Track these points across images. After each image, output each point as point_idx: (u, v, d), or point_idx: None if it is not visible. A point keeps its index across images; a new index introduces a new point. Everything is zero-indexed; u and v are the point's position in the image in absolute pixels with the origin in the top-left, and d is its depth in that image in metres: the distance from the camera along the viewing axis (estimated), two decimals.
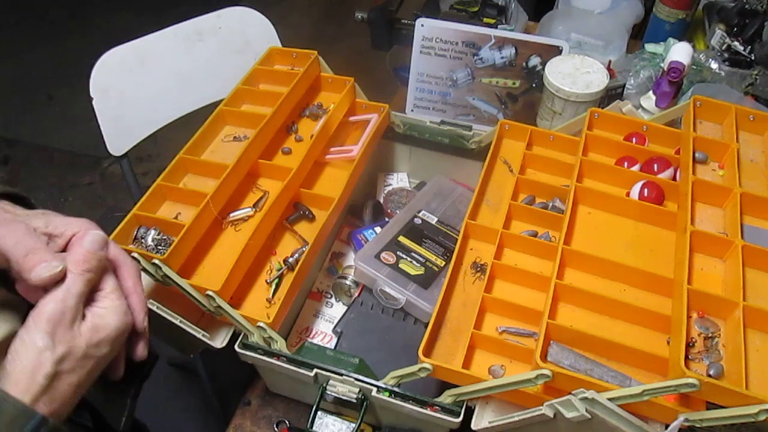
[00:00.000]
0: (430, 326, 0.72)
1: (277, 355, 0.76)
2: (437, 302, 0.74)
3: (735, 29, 1.34)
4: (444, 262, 0.92)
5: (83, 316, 0.49)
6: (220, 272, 0.77)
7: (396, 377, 0.72)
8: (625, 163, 0.89)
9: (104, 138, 1.19)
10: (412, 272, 0.89)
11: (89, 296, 0.51)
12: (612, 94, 1.18)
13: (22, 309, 0.57)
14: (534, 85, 1.10)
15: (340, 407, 0.81)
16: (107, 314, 0.50)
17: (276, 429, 0.86)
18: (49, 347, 0.46)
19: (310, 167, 0.96)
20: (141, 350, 0.55)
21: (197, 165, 0.90)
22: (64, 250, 0.52)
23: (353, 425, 0.81)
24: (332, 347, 0.90)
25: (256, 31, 1.29)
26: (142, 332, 0.54)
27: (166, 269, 0.74)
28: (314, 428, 0.77)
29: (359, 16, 1.44)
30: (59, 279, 0.48)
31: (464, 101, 1.14)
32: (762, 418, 0.58)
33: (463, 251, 0.84)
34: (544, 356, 0.68)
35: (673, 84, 1.07)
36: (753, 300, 0.69)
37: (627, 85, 1.23)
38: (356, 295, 0.94)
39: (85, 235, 0.50)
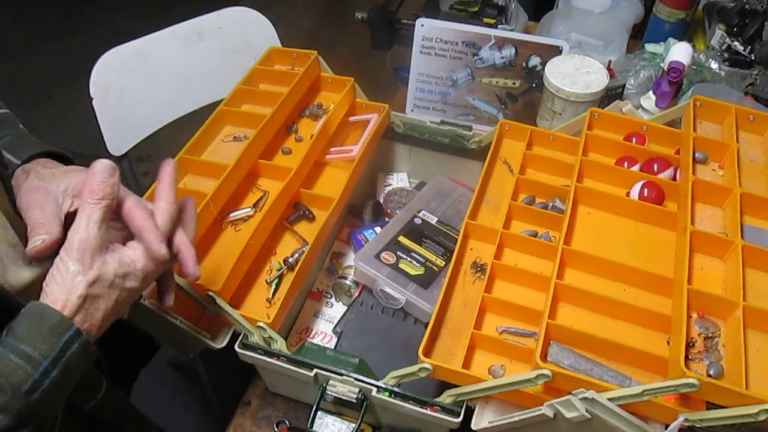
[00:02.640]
0: (430, 326, 0.72)
1: (277, 355, 0.76)
2: (437, 302, 0.74)
3: (735, 29, 1.34)
4: (444, 262, 0.92)
5: (111, 249, 0.54)
6: (220, 272, 0.77)
7: (396, 377, 0.72)
8: (625, 163, 0.89)
9: (104, 138, 1.19)
10: (412, 272, 0.89)
11: (123, 241, 0.56)
12: (612, 94, 1.18)
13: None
14: (534, 85, 1.10)
15: (340, 407, 0.81)
16: (134, 254, 0.55)
17: (276, 429, 0.86)
18: (80, 272, 0.51)
19: (310, 167, 0.96)
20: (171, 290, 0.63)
21: (197, 165, 0.90)
22: None
23: (353, 425, 0.81)
24: (332, 347, 0.90)
25: (256, 31, 1.30)
26: (162, 259, 0.56)
27: None
28: (314, 428, 0.77)
29: (359, 16, 1.45)
30: (46, 250, 0.54)
31: (464, 101, 1.13)
32: (762, 418, 0.58)
33: (463, 251, 0.84)
34: (544, 356, 0.68)
35: (673, 84, 1.07)
36: (753, 300, 0.69)
37: (627, 85, 1.23)
38: (356, 295, 0.94)
39: (94, 166, 0.54)
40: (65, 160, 0.66)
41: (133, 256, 0.55)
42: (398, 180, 1.17)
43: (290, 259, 0.85)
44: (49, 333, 0.49)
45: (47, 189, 0.57)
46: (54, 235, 0.54)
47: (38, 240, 0.53)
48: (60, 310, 0.50)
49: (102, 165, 0.53)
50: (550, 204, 0.89)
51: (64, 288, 0.51)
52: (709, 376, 0.64)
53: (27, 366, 0.48)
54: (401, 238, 0.94)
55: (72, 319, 0.51)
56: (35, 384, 0.48)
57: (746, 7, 1.36)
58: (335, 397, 0.74)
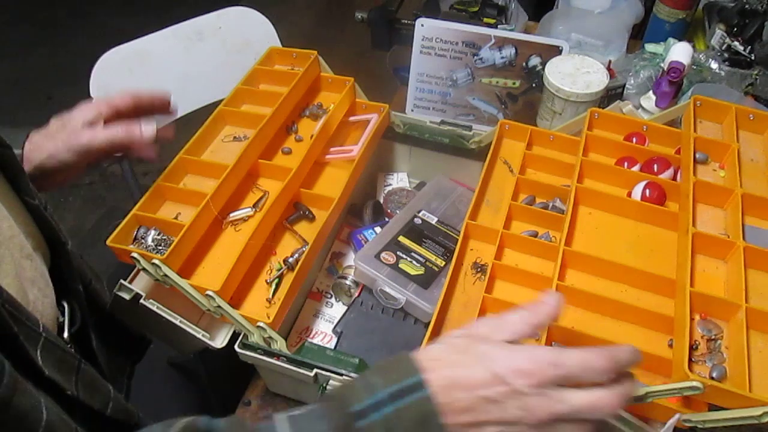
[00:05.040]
0: (431, 327, 0.71)
1: (277, 355, 0.76)
2: (438, 302, 0.74)
3: (735, 29, 1.34)
4: (444, 262, 0.92)
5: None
6: (220, 272, 0.77)
7: None
8: (626, 164, 0.89)
9: None
10: (412, 272, 0.89)
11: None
12: (612, 94, 1.18)
13: (47, 253, 0.63)
14: (534, 85, 1.10)
15: None
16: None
17: None
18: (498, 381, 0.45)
19: (310, 167, 0.96)
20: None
21: (197, 165, 0.90)
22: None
23: None
24: (332, 347, 0.90)
25: (256, 31, 1.29)
26: None
27: (166, 269, 0.74)
28: None
29: (359, 17, 1.44)
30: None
31: (464, 101, 1.13)
32: (765, 420, 0.58)
33: (464, 251, 0.84)
34: None
35: (673, 84, 1.06)
36: (755, 301, 0.69)
37: (627, 85, 1.23)
38: (356, 295, 0.94)
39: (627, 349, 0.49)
40: None
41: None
42: (398, 180, 1.17)
43: (290, 259, 0.85)
44: (397, 371, 0.45)
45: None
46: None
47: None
48: (425, 377, 0.45)
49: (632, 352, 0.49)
50: (551, 204, 0.89)
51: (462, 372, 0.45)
52: (712, 378, 0.64)
53: (364, 390, 0.45)
54: (401, 238, 0.93)
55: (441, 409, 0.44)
56: (365, 410, 0.44)
57: (746, 7, 1.35)
58: None
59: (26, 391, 0.45)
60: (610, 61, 1.20)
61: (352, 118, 1.06)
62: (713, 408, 0.63)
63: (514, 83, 1.10)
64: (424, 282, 0.88)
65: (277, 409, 0.88)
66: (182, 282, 0.75)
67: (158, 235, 0.81)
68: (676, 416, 0.62)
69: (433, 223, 0.98)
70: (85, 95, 1.14)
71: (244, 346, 0.77)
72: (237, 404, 0.89)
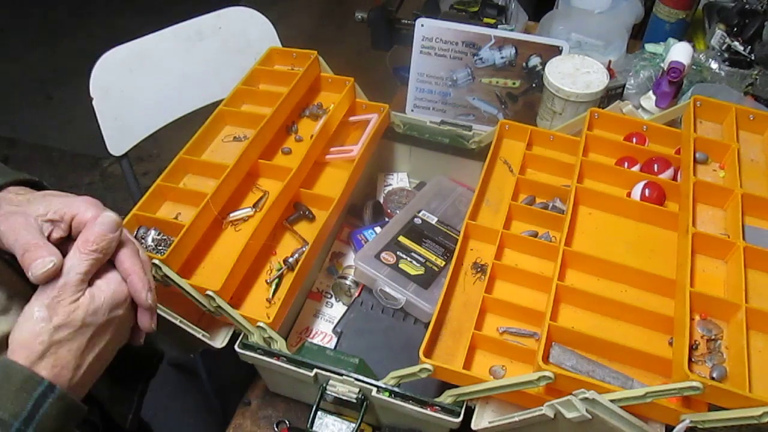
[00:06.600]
0: (431, 327, 0.71)
1: (277, 355, 0.76)
2: (438, 302, 0.74)
3: (735, 29, 1.34)
4: (444, 262, 0.92)
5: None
6: (220, 272, 0.77)
7: (396, 377, 0.72)
8: (626, 164, 0.89)
9: (104, 138, 1.19)
10: (412, 272, 0.89)
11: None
12: (612, 94, 1.18)
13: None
14: (534, 85, 1.10)
15: (340, 407, 0.81)
16: (102, 284, 0.52)
17: (276, 429, 0.86)
18: (45, 319, 0.48)
19: (310, 167, 0.96)
20: (146, 323, 0.56)
21: (197, 165, 0.90)
22: (70, 233, 0.53)
23: (353, 425, 0.81)
24: (332, 347, 0.90)
25: (256, 31, 1.29)
26: (148, 308, 0.55)
27: (166, 269, 0.74)
28: (314, 428, 0.77)
29: (359, 16, 1.44)
30: (55, 274, 0.50)
31: (464, 101, 1.13)
32: (765, 420, 0.58)
33: (464, 251, 0.84)
34: (546, 358, 0.68)
35: (673, 84, 1.06)
36: (755, 301, 0.69)
37: (627, 85, 1.23)
38: (356, 295, 0.94)
39: (98, 217, 0.52)
40: (37, 186, 0.60)
41: (102, 287, 0.51)
42: (398, 180, 1.17)
43: (290, 259, 0.85)
44: (18, 392, 0.46)
45: (26, 213, 0.52)
46: (60, 257, 0.50)
47: (50, 263, 0.49)
48: (23, 359, 0.47)
49: (107, 219, 0.52)
50: (551, 204, 0.89)
51: (27, 335, 0.48)
52: (713, 378, 0.64)
53: None
54: (401, 238, 0.93)
55: (35, 366, 0.47)
56: None
57: (746, 7, 1.35)
58: (335, 397, 0.74)
59: None
60: (610, 61, 1.20)
61: (352, 118, 1.06)
62: (713, 408, 0.63)
63: (514, 83, 1.10)
64: (424, 282, 0.88)
65: (277, 410, 0.88)
66: (182, 282, 0.75)
67: (158, 235, 0.81)
68: (686, 421, 0.62)
69: (433, 223, 0.98)
70: (85, 95, 1.14)
71: (244, 346, 0.77)
72: (237, 404, 0.89)
